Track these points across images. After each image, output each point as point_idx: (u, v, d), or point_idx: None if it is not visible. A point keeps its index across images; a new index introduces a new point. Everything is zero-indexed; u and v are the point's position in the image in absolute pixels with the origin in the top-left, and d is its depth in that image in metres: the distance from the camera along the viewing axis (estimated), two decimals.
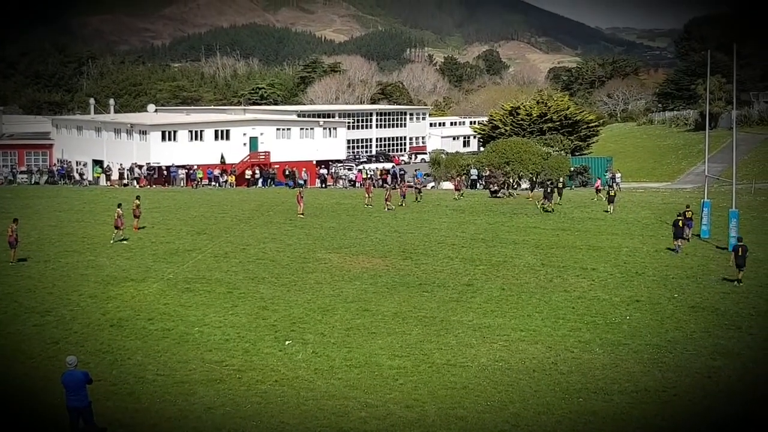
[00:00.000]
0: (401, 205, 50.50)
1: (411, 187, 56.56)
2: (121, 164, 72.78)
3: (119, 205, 37.88)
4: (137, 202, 41.15)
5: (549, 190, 50.13)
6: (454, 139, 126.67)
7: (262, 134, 79.58)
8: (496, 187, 57.56)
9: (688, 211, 39.51)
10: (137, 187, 66.49)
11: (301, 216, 45.61)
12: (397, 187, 57.38)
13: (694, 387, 19.55)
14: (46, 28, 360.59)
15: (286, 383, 19.69)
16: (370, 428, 17.12)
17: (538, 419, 17.66)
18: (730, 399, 18.63)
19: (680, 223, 36.45)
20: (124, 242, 36.99)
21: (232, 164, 73.51)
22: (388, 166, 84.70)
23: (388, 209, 48.64)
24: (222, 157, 74.99)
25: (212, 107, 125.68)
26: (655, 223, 44.57)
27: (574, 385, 19.69)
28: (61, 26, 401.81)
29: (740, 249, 30.11)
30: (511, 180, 60.07)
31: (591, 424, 17.43)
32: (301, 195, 47.28)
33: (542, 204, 49.55)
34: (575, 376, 20.26)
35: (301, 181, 67.99)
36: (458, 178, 62.28)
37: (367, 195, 51.52)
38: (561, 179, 55.85)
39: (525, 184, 64.14)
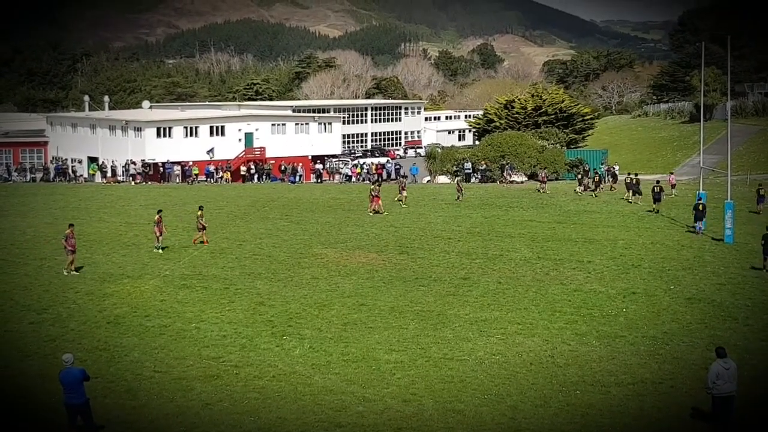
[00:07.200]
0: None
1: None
2: (113, 161, 72.62)
3: (159, 212, 35.67)
4: (200, 212, 37.07)
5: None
6: (449, 133, 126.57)
7: (257, 130, 79.48)
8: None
9: (761, 188, 44.26)
10: (132, 184, 66.37)
11: (372, 214, 44.25)
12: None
13: (691, 379, 19.59)
14: (38, 25, 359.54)
15: (283, 378, 19.70)
16: (367, 422, 17.14)
17: (536, 412, 17.69)
18: None
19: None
20: (161, 251, 34.50)
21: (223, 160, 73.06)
22: (384, 160, 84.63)
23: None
24: (210, 152, 73.65)
25: (207, 103, 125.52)
26: (651, 216, 44.59)
27: (571, 377, 19.73)
28: (54, 22, 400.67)
29: None
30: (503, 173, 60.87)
31: (588, 417, 17.47)
32: (377, 193, 45.25)
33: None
34: (572, 369, 20.30)
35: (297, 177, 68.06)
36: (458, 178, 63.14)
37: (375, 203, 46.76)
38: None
39: (517, 177, 64.39)
